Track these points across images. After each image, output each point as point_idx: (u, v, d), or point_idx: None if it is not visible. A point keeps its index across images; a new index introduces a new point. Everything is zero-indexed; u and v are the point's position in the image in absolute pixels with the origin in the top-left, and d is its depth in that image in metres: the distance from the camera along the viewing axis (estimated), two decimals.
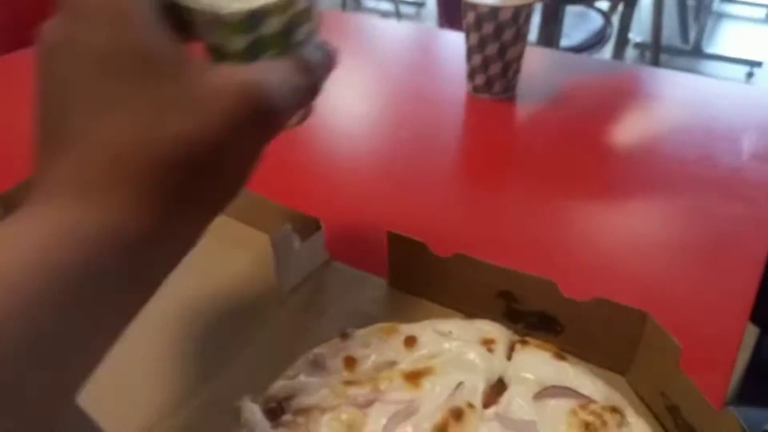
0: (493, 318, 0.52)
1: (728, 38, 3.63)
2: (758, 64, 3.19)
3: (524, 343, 0.48)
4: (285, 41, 0.34)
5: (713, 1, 3.60)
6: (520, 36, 0.82)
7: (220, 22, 0.32)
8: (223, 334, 0.54)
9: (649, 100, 0.92)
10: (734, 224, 0.65)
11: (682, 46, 3.49)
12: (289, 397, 0.45)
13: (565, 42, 2.26)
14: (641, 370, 0.47)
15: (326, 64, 0.36)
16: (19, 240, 0.25)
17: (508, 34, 0.80)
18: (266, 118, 0.30)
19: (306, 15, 0.35)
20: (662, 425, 0.45)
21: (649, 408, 0.46)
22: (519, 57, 0.85)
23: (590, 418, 0.41)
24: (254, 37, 0.33)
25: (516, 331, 0.51)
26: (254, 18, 0.32)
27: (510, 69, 0.85)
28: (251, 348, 0.53)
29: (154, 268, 0.30)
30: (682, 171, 0.75)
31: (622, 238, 0.64)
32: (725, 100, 0.90)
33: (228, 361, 0.52)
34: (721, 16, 3.87)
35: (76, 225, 0.26)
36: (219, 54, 0.34)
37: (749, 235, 0.63)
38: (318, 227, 0.60)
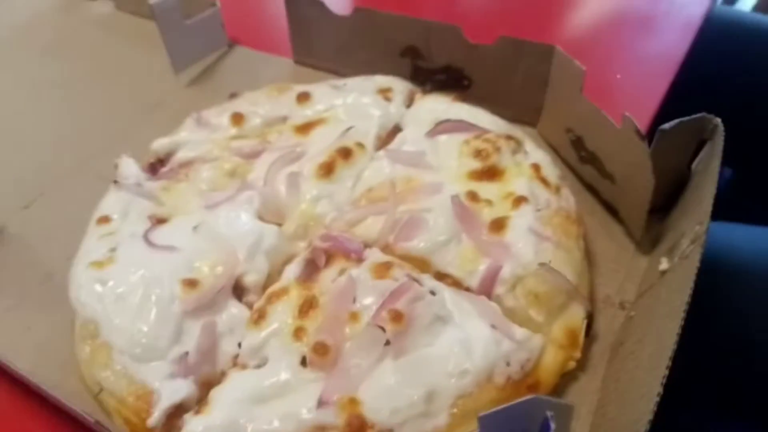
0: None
1: None
2: None
3: (426, 93, 0.45)
4: None
5: None
6: None
7: None
8: (114, 116, 0.51)
9: None
10: None
11: None
12: (171, 153, 0.42)
13: None
14: (549, 112, 0.44)
15: None
16: None
17: None
18: None
19: None
20: (568, 165, 0.43)
21: (557, 152, 0.44)
22: None
23: (483, 145, 0.38)
24: None
25: (423, 91, 0.47)
26: None
27: None
28: (143, 128, 0.49)
29: None
30: None
31: None
32: None
33: (119, 140, 0.48)
34: None
35: None
36: None
37: None
38: (213, 4, 0.54)
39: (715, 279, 0.52)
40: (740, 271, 0.53)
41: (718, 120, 0.34)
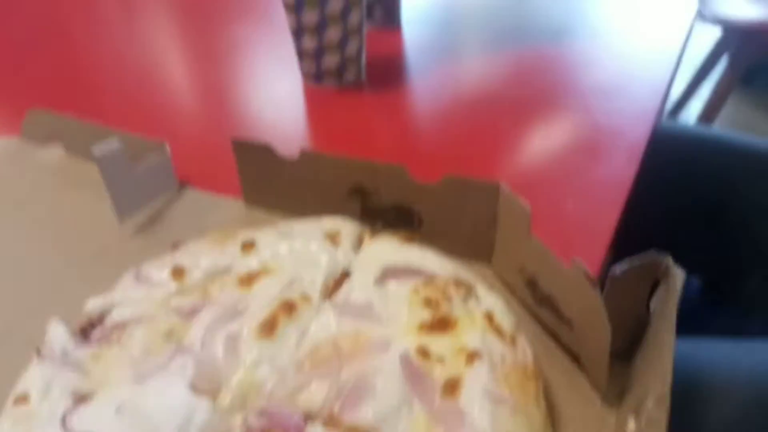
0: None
1: None
2: None
3: (374, 234, 0.44)
4: None
5: None
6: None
7: None
8: (51, 272, 0.48)
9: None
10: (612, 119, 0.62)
11: None
12: (104, 314, 0.39)
13: None
14: (501, 250, 0.43)
15: None
16: None
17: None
18: None
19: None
20: (526, 306, 0.41)
21: (513, 292, 0.43)
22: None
23: (433, 294, 0.36)
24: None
25: (373, 230, 0.46)
26: None
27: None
28: (81, 283, 0.47)
29: None
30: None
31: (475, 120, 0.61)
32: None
33: (54, 298, 0.46)
34: None
35: None
36: None
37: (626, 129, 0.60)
38: (161, 146, 0.54)
39: (690, 402, 0.50)
40: (718, 393, 0.51)
41: (669, 259, 0.33)
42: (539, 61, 0.76)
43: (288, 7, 0.68)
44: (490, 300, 0.37)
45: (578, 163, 0.56)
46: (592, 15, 0.89)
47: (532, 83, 0.71)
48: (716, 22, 2.18)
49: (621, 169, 0.54)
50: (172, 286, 0.41)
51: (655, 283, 0.35)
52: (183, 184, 0.56)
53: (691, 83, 2.43)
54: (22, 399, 0.34)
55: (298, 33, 0.69)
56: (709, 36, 2.30)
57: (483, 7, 0.95)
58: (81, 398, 0.33)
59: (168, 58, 0.87)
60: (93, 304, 0.40)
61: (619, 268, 0.34)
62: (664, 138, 0.84)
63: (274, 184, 0.50)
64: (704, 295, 0.88)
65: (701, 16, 2.21)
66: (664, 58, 0.73)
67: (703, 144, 0.85)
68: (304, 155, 0.47)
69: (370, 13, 0.83)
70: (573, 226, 0.49)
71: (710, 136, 0.87)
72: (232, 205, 0.53)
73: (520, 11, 0.93)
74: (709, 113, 2.31)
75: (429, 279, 0.38)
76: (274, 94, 0.74)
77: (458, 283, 0.38)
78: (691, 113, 2.12)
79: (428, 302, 0.36)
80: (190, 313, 0.39)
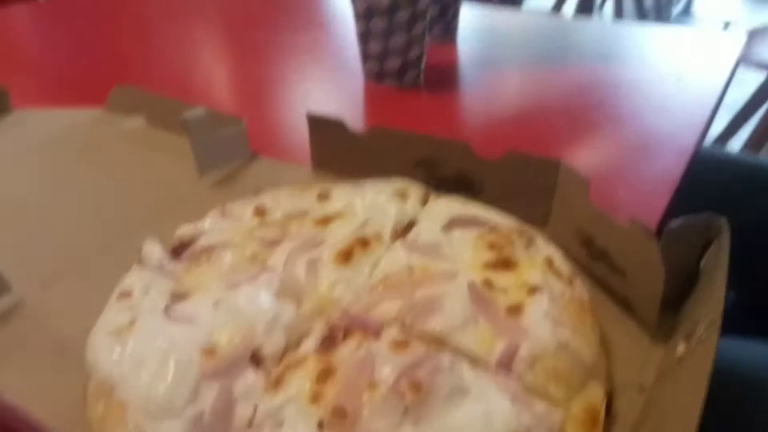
0: None
1: None
2: None
3: (439, 195, 0.48)
4: None
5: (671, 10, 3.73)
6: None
7: None
8: (139, 209, 0.53)
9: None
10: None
11: None
12: (194, 239, 0.43)
13: None
14: (558, 216, 0.47)
15: None
16: None
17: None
18: None
19: None
20: (579, 264, 0.44)
21: (567, 251, 0.45)
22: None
23: (496, 239, 0.40)
24: None
25: (438, 194, 0.50)
26: None
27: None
28: (167, 220, 0.51)
29: None
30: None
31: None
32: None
33: (143, 228, 0.50)
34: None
35: None
36: None
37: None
38: (239, 122, 0.59)
39: (734, 394, 0.51)
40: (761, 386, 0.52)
41: (724, 219, 0.36)
42: (589, 78, 0.80)
43: (359, 15, 0.74)
44: (549, 249, 0.40)
45: (629, 160, 0.59)
46: (639, 45, 0.93)
47: (583, 95, 0.75)
48: (761, 67, 2.20)
49: (670, 168, 0.57)
50: (254, 221, 0.45)
51: (706, 244, 0.38)
52: (254, 155, 0.61)
53: (732, 122, 2.43)
54: (126, 294, 0.38)
55: (365, 37, 0.75)
56: (753, 82, 2.32)
57: (531, 29, 1.01)
58: (179, 297, 0.37)
59: (245, 57, 0.94)
60: (184, 230, 0.44)
61: (675, 223, 0.36)
62: (709, 159, 0.87)
63: (342, 157, 0.55)
64: (738, 306, 0.89)
65: (746, 61, 2.24)
66: (712, 83, 0.77)
67: (747, 167, 0.87)
68: (375, 130, 0.52)
69: (430, 28, 0.89)
70: (623, 210, 0.52)
71: (756, 160, 0.90)
72: (302, 170, 0.57)
73: (566, 36, 0.98)
74: (750, 151, 2.31)
75: (493, 228, 0.41)
76: (338, 88, 0.79)
77: (521, 232, 0.41)
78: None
79: (492, 245, 0.39)
80: (272, 243, 0.42)
